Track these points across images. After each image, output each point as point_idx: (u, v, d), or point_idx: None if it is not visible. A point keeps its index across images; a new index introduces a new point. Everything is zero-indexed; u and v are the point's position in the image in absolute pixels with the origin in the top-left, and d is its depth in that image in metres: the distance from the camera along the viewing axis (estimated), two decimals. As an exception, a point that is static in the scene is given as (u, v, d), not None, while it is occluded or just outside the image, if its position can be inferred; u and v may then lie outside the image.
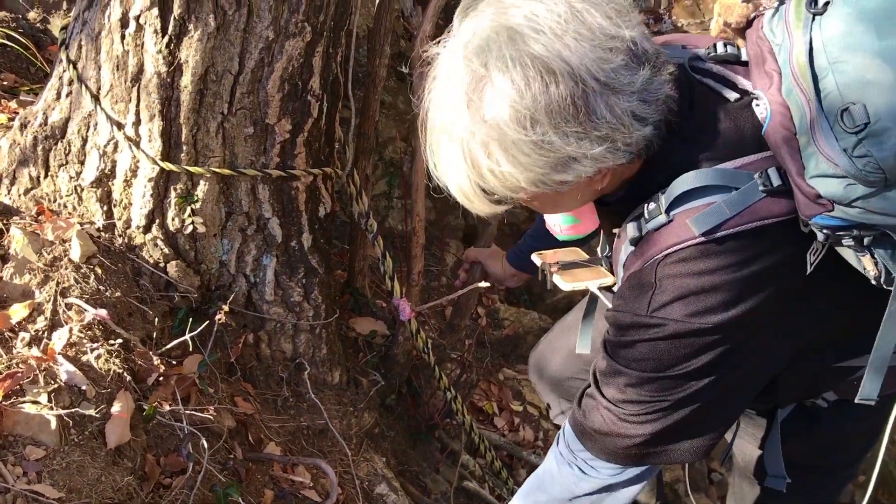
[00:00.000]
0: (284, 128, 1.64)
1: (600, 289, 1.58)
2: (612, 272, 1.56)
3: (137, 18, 1.50)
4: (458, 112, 1.10)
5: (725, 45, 1.28)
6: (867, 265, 1.17)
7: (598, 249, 1.64)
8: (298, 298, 1.84)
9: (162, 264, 1.66)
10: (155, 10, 1.48)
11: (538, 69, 1.05)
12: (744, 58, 1.26)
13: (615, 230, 1.36)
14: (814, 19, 1.09)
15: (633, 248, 1.25)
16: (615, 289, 1.49)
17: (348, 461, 1.88)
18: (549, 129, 1.06)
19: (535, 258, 1.69)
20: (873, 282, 1.18)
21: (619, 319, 1.25)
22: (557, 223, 1.68)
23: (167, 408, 1.50)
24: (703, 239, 1.15)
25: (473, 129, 1.09)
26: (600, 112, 1.07)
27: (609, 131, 1.08)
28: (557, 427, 2.18)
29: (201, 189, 1.63)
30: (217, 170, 1.60)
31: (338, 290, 2.12)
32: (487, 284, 2.05)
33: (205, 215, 1.66)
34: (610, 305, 1.44)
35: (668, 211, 1.18)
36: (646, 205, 1.22)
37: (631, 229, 1.24)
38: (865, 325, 1.25)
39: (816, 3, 1.10)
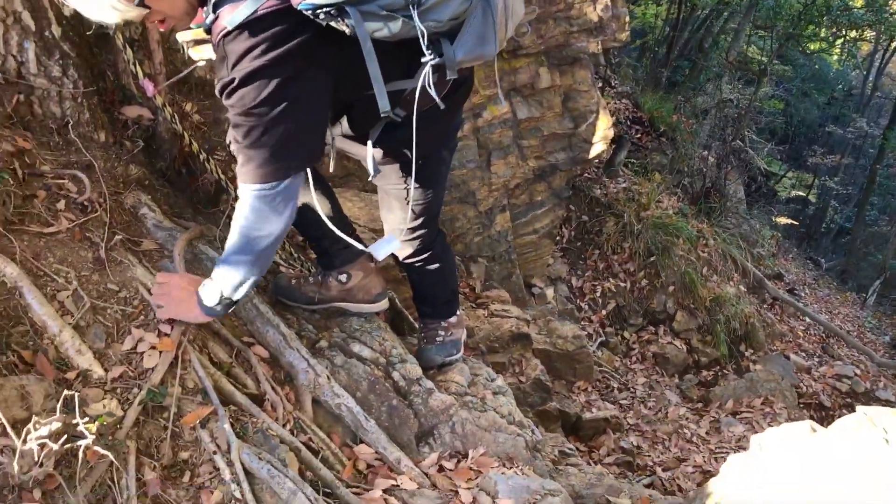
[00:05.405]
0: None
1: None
2: None
3: None
4: None
5: None
6: (341, 27, 1.81)
7: None
8: (58, 74, 2.64)
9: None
10: None
11: None
12: None
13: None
14: None
15: (207, 34, 1.92)
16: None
17: (116, 190, 2.72)
18: None
19: (180, 36, 2.18)
20: (349, 34, 1.83)
21: (221, 84, 1.87)
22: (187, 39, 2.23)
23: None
24: (236, 27, 1.77)
25: None
26: None
27: None
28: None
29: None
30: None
31: (108, 86, 2.91)
32: None
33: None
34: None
35: (214, 10, 1.83)
36: (206, 7, 1.87)
37: (206, 21, 1.89)
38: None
39: None
